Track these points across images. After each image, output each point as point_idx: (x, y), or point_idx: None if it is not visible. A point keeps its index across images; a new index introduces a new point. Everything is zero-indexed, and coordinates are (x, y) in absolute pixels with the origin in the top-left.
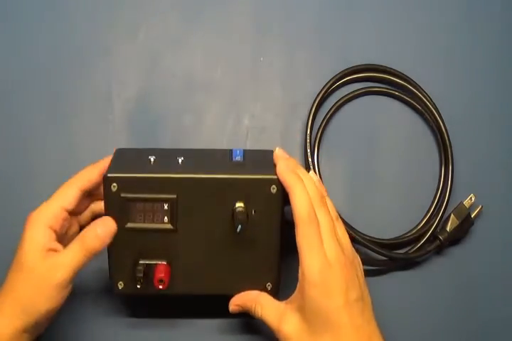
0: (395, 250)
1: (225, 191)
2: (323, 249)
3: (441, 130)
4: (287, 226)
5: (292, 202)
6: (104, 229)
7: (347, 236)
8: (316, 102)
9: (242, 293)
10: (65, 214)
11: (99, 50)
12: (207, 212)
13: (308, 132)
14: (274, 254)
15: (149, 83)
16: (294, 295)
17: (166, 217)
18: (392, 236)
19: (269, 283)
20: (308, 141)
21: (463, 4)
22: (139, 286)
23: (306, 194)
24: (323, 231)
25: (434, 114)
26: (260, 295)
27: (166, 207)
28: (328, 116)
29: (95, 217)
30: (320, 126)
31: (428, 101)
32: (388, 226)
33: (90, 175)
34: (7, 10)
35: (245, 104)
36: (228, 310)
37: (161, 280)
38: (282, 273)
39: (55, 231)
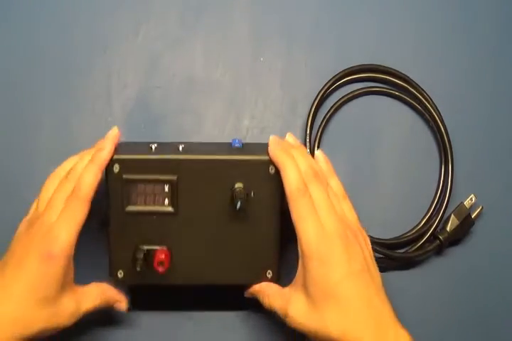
0: (395, 250)
1: (225, 172)
2: (317, 220)
3: (441, 130)
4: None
5: (283, 178)
6: (121, 306)
7: (353, 212)
8: (316, 102)
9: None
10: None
11: (99, 49)
12: (207, 195)
13: (308, 132)
14: (274, 239)
15: (149, 83)
16: (297, 274)
17: (166, 199)
18: (392, 236)
19: (269, 271)
20: (308, 140)
21: (463, 4)
22: (138, 269)
23: (296, 170)
24: (318, 203)
25: (434, 114)
26: (267, 286)
27: (166, 189)
28: (328, 116)
29: None
30: (320, 126)
31: (428, 101)
32: (388, 226)
33: (93, 179)
34: (7, 9)
35: (245, 104)
36: (226, 303)
37: (160, 263)
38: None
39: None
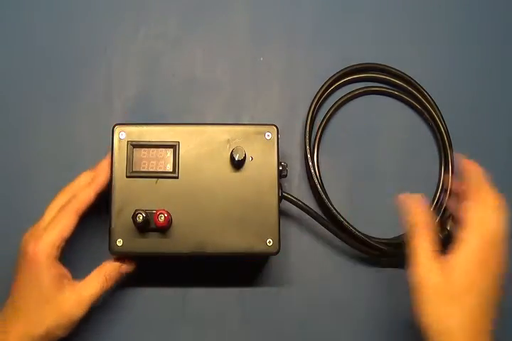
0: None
1: (224, 139)
2: None
3: (441, 130)
4: None
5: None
6: (127, 268)
7: None
8: (316, 102)
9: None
10: (65, 242)
11: (99, 49)
12: (207, 161)
13: (308, 132)
14: (274, 207)
15: (149, 83)
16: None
17: (168, 165)
18: (392, 236)
19: (269, 239)
20: (307, 141)
21: (463, 4)
22: (137, 222)
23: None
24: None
25: (433, 114)
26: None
27: (168, 154)
28: (328, 116)
29: None
30: (320, 125)
31: (428, 101)
32: (388, 226)
33: (86, 197)
34: (8, 9)
35: (245, 104)
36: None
37: (161, 215)
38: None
39: (59, 257)
